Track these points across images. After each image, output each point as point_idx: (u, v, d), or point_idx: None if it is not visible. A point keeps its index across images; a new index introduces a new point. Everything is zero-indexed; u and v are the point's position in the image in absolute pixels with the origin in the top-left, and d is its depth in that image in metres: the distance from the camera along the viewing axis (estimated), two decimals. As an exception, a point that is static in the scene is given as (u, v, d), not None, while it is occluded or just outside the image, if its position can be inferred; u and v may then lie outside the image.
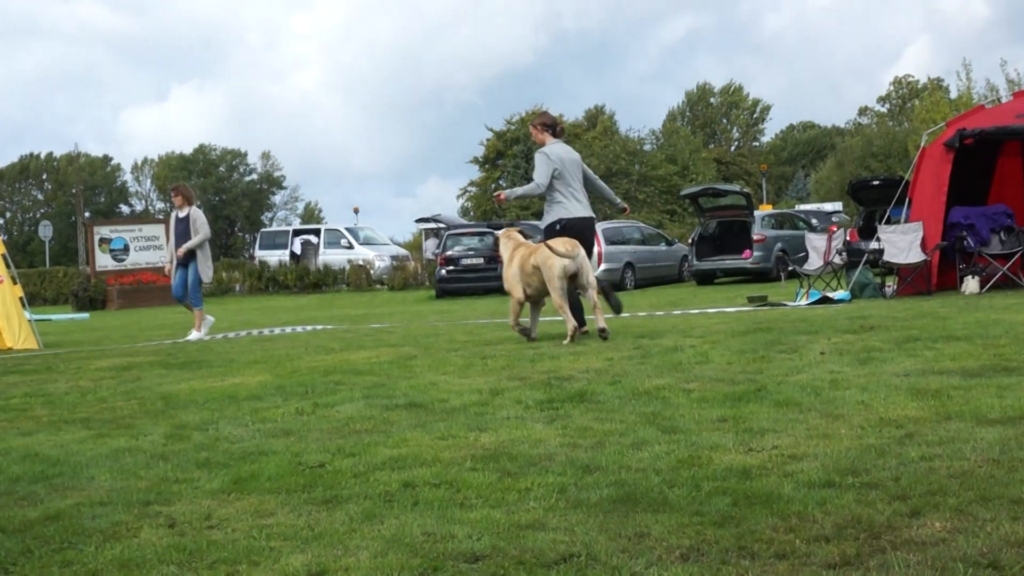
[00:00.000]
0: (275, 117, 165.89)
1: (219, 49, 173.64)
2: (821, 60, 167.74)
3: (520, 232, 13.62)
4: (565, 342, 12.41)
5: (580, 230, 13.22)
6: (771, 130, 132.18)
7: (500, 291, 33.84)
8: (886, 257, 18.41)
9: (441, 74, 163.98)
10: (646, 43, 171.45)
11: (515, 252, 13.13)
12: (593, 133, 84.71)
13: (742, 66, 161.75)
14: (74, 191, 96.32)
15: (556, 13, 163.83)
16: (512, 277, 13.06)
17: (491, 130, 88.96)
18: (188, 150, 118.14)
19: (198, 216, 18.59)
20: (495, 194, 14.09)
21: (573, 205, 13.33)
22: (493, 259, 34.81)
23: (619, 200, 14.51)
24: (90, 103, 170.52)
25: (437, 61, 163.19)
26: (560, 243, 12.52)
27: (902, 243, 18.32)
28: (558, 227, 13.23)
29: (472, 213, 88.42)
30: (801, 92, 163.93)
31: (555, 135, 13.54)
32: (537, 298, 13.22)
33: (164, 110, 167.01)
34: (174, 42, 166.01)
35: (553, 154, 13.29)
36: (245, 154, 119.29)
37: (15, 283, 18.19)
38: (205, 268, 18.49)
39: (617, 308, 14.15)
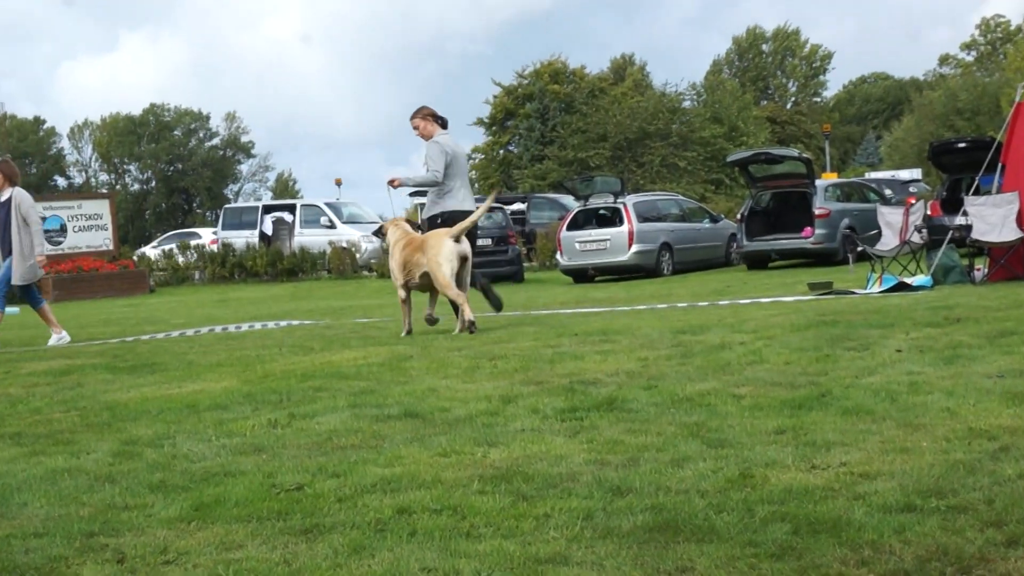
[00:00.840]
0: (243, 71, 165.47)
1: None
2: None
3: (408, 222, 15.80)
4: (456, 331, 14.50)
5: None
6: (835, 83, 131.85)
7: (513, 278, 34.06)
8: (974, 235, 18.36)
9: (443, 19, 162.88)
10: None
11: (397, 244, 15.03)
12: (622, 88, 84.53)
13: (801, 7, 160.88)
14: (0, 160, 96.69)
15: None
16: (395, 269, 15.00)
17: (499, 85, 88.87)
18: (138, 111, 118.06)
19: (24, 199, 17.76)
20: (389, 180, 15.80)
21: (463, 197, 15.57)
22: (503, 240, 34.84)
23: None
24: (20, 55, 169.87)
25: (436, 3, 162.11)
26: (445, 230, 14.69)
27: (994, 217, 18.27)
28: (439, 220, 15.36)
29: (477, 185, 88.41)
30: (872, 38, 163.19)
31: (443, 127, 15.66)
32: (423, 290, 15.19)
33: (112, 63, 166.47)
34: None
35: (447, 145, 15.46)
36: (207, 117, 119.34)
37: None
38: (22, 268, 17.42)
39: (497, 306, 16.08)
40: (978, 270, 18.55)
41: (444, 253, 14.24)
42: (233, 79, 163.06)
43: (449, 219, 15.10)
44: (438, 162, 15.22)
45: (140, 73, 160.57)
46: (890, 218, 21.38)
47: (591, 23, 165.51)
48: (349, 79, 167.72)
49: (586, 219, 33.18)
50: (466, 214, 15.06)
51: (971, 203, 18.71)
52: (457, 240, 14.39)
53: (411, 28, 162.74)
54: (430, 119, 15.61)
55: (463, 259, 14.48)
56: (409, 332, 14.93)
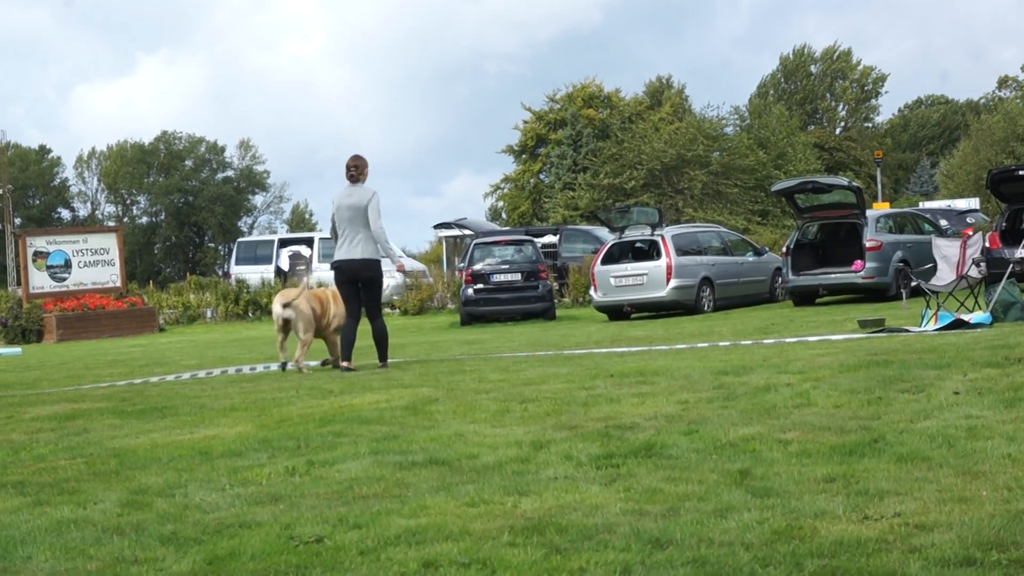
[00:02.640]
0: (262, 94, 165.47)
1: (194, 8, 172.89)
2: (958, 16, 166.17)
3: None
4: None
5: (351, 272, 17.08)
6: (890, 107, 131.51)
7: (544, 315, 34.04)
8: (1037, 268, 18.32)
9: (480, 38, 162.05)
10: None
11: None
12: (660, 113, 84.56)
13: (858, 26, 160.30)
14: (0, 192, 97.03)
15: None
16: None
17: (529, 110, 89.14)
18: (149, 138, 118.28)
19: None
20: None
21: (345, 249, 17.06)
22: (533, 274, 34.80)
23: (393, 254, 17.94)
24: (28, 78, 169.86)
25: (475, 21, 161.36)
26: (290, 292, 17.97)
27: (1057, 250, 18.24)
28: (333, 269, 17.49)
29: (505, 216, 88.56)
30: (931, 58, 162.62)
31: (347, 176, 17.27)
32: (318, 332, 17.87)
33: (127, 87, 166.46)
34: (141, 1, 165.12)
35: (334, 199, 17.31)
36: (222, 148, 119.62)
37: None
38: None
39: (335, 363, 17.86)
40: (1041, 306, 18.49)
41: (274, 310, 17.73)
42: (251, 103, 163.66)
43: (337, 269, 17.28)
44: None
45: (155, 98, 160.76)
46: (946, 251, 21.31)
47: (638, 44, 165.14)
48: (376, 102, 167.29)
49: (622, 252, 33.15)
50: (348, 263, 17.00)
51: (1033, 235, 18.68)
52: (285, 305, 17.47)
53: (445, 48, 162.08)
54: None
55: (285, 321, 17.52)
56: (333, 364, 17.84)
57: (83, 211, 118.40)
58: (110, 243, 43.52)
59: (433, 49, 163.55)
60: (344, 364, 16.94)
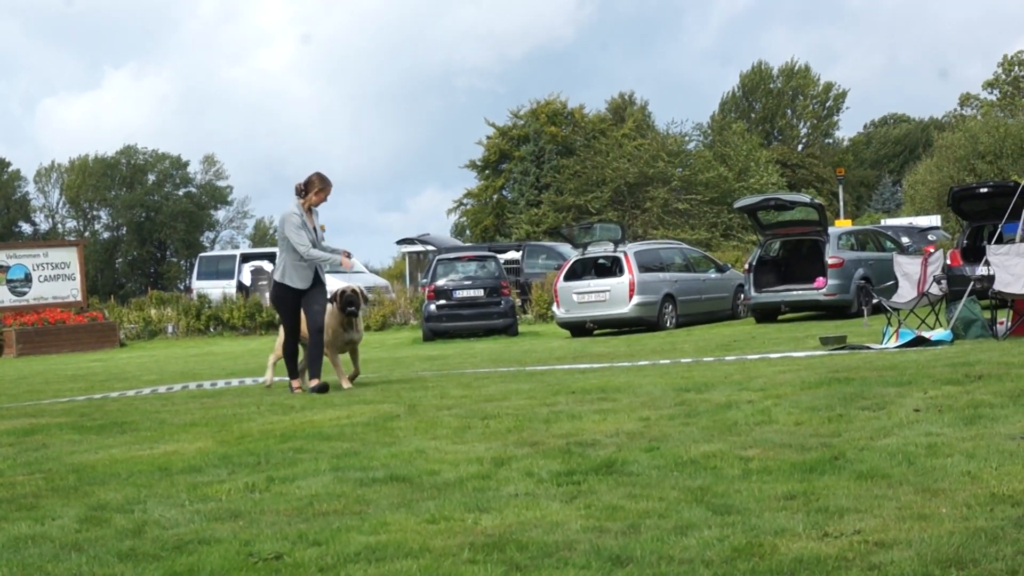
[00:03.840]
0: (229, 109, 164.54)
1: (163, 21, 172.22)
2: (924, 34, 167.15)
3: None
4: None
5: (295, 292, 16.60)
6: (854, 124, 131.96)
7: (506, 331, 34.07)
8: (997, 286, 18.39)
9: (452, 52, 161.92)
10: (705, 12, 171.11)
11: None
12: (623, 129, 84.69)
13: (825, 42, 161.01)
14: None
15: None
16: None
17: (492, 125, 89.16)
18: (111, 152, 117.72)
19: None
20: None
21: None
22: (496, 291, 34.82)
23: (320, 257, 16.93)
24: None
25: (447, 36, 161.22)
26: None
27: (1018, 268, 18.30)
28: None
29: (468, 232, 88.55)
30: (897, 75, 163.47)
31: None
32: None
33: (94, 100, 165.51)
34: (108, 13, 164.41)
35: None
36: (186, 163, 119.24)
37: None
38: None
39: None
40: (1001, 324, 18.55)
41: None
42: (219, 117, 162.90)
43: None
44: None
45: (122, 112, 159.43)
46: (907, 268, 21.41)
47: (609, 60, 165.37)
48: (345, 116, 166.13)
49: (584, 269, 33.18)
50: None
51: (993, 252, 18.75)
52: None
53: (416, 62, 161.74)
54: None
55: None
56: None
57: (44, 225, 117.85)
58: (71, 257, 43.38)
59: (404, 64, 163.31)
60: (295, 384, 16.37)
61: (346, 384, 16.32)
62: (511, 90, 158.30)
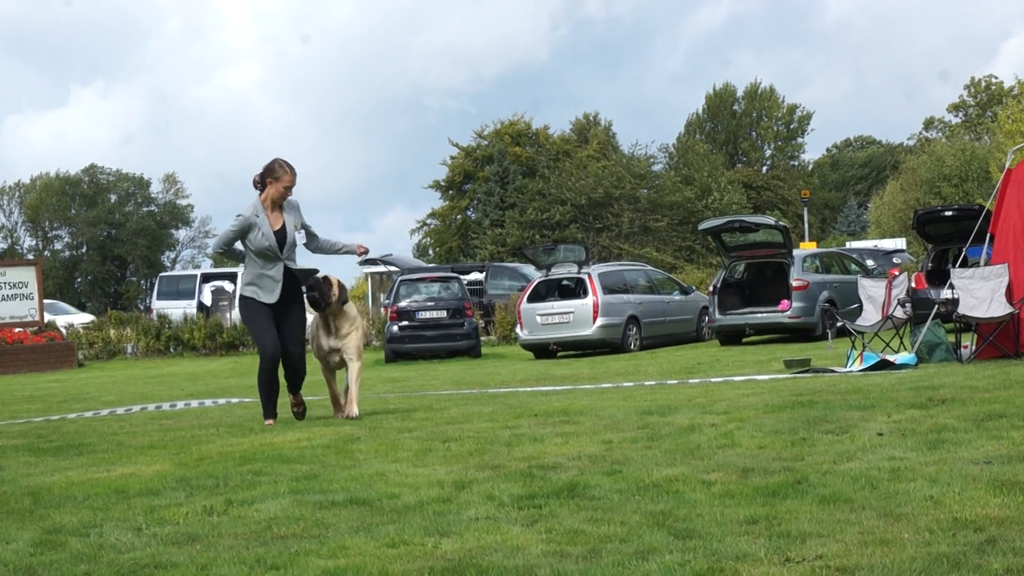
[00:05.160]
0: (195, 128, 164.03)
1: (129, 38, 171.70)
2: (894, 56, 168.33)
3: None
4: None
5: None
6: (819, 146, 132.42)
7: (469, 352, 34.08)
8: (962, 309, 18.47)
9: (423, 72, 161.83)
10: (675, 33, 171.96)
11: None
12: (588, 150, 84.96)
13: (795, 63, 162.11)
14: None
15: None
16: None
17: (456, 146, 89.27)
18: (74, 171, 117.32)
19: None
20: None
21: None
22: (459, 312, 34.88)
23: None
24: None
25: (419, 55, 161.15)
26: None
27: (982, 291, 18.39)
28: None
29: (432, 253, 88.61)
30: (866, 97, 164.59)
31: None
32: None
33: (60, 119, 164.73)
34: (72, 30, 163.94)
35: None
36: (148, 182, 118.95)
37: None
38: None
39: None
40: (965, 347, 18.64)
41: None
42: (184, 135, 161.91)
43: None
44: None
45: (87, 130, 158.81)
46: (872, 291, 21.49)
47: (578, 82, 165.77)
48: (313, 136, 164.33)
49: (548, 290, 33.26)
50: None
51: (958, 276, 18.84)
52: None
53: (387, 81, 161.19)
54: None
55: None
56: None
57: (2, 244, 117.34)
58: (29, 276, 43.20)
59: (374, 83, 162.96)
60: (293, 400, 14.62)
61: (349, 410, 14.19)
62: (481, 110, 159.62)
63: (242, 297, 14.33)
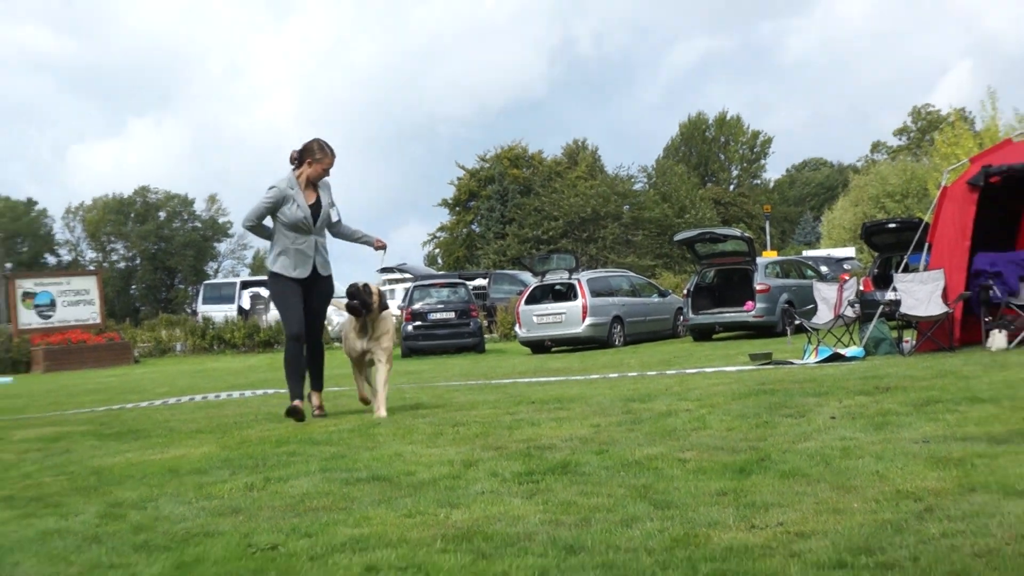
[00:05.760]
0: (236, 154, 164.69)
1: (178, 76, 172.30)
2: (847, 89, 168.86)
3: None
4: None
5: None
6: (778, 167, 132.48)
7: (474, 348, 34.05)
8: (903, 309, 18.48)
9: (437, 103, 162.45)
10: (656, 69, 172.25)
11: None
12: (577, 172, 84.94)
13: (760, 93, 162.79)
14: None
15: (573, 38, 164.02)
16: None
17: (462, 168, 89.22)
18: (129, 192, 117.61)
19: None
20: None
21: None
22: (466, 313, 34.90)
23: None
24: (28, 139, 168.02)
25: (433, 88, 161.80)
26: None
27: (921, 293, 18.40)
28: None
29: (441, 261, 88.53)
30: (820, 124, 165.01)
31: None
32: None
33: (117, 147, 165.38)
34: (129, 69, 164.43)
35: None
36: (191, 201, 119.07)
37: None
38: None
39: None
40: (906, 342, 18.63)
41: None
42: (224, 160, 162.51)
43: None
44: None
45: (141, 157, 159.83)
46: (825, 293, 21.49)
47: (571, 112, 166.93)
48: (338, 159, 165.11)
49: (543, 294, 33.20)
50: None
51: (900, 280, 18.84)
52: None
53: (406, 111, 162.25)
54: None
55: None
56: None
57: (67, 257, 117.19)
58: (91, 285, 43.32)
59: (393, 113, 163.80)
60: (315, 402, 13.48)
61: (379, 412, 12.76)
62: (487, 137, 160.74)
63: (271, 274, 12.96)
